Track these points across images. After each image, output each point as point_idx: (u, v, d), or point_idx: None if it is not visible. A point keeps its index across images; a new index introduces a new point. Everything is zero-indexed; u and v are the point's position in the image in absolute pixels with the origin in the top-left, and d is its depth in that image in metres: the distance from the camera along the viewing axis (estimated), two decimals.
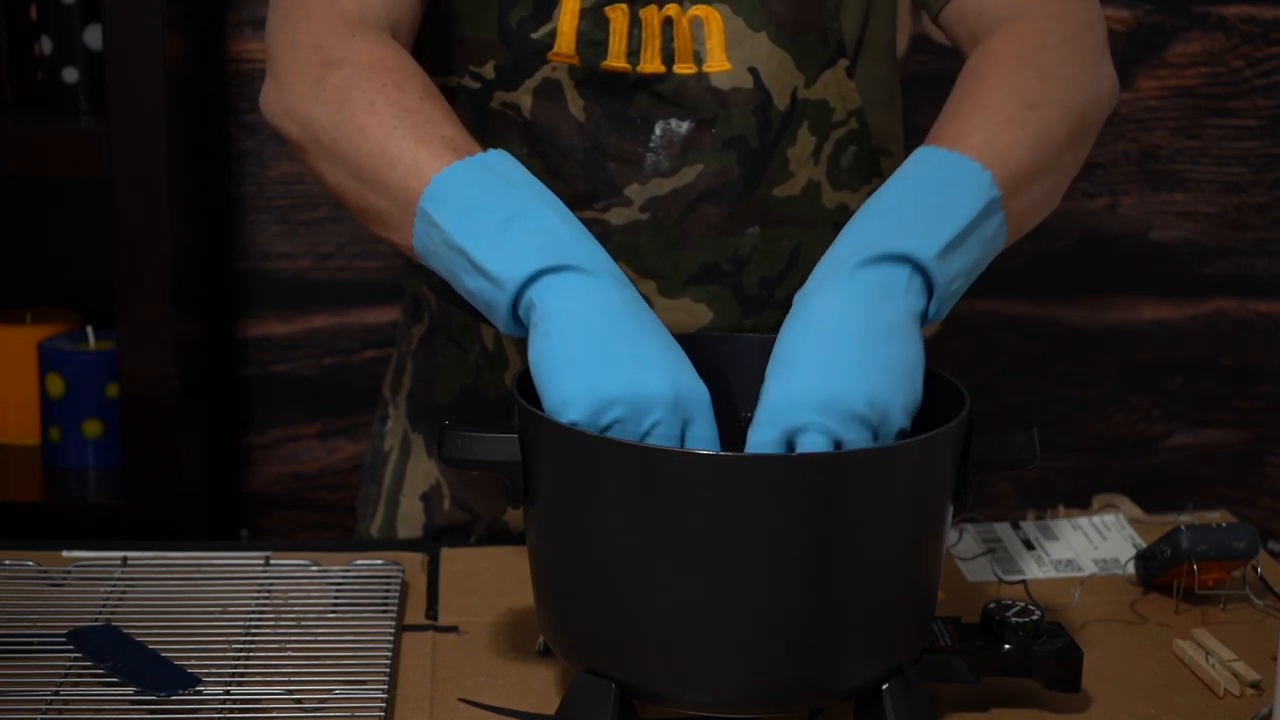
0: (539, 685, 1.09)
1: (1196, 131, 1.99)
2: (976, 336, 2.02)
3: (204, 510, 1.85)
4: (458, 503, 1.38)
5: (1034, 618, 1.05)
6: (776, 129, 1.24)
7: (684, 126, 1.23)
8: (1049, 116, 1.10)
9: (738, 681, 0.97)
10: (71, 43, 1.73)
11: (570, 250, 1.01)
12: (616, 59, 1.22)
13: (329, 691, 1.04)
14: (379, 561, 1.23)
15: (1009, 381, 2.04)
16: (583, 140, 1.24)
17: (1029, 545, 1.30)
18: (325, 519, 2.03)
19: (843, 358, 0.98)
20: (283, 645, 1.10)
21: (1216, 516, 1.37)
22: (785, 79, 1.23)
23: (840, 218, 1.23)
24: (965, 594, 1.22)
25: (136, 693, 1.04)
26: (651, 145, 1.24)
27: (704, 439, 1.00)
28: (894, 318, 1.00)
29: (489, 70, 1.25)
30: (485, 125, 1.26)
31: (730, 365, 1.11)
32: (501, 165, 1.06)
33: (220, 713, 1.02)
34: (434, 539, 1.38)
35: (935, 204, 1.04)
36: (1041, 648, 1.04)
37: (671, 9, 1.21)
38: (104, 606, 1.15)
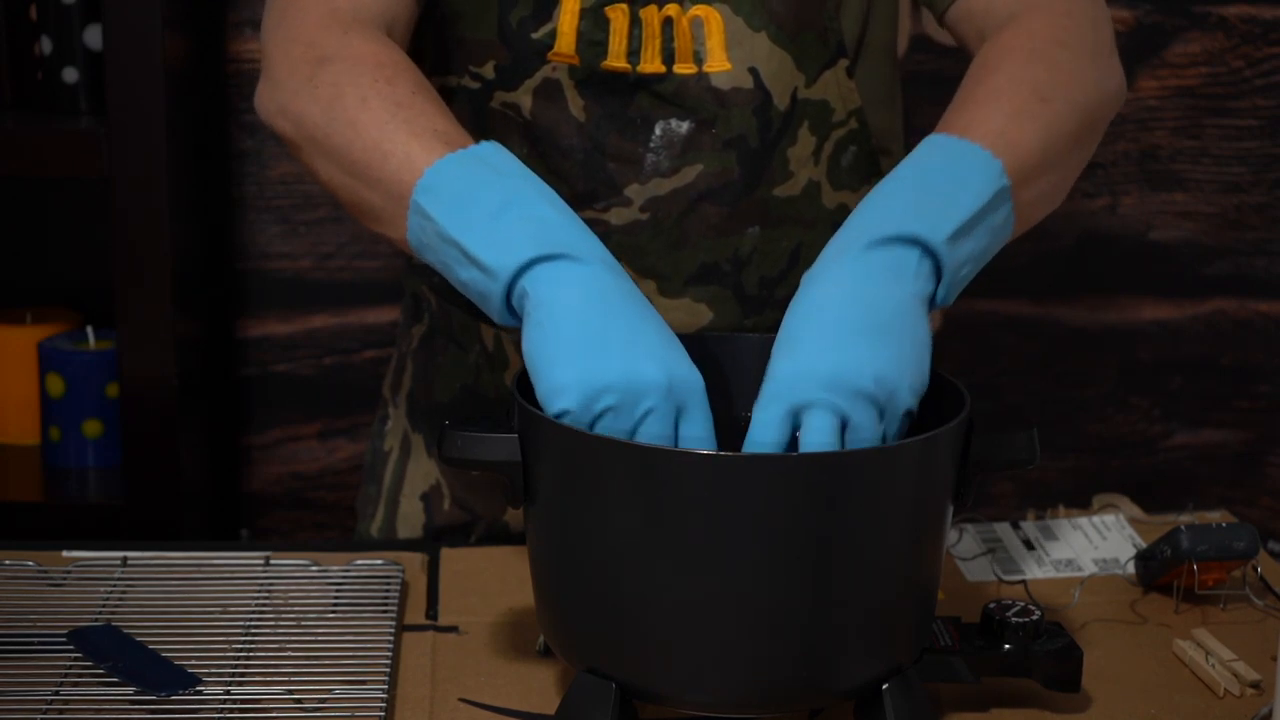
0: (539, 685, 1.09)
1: (1196, 131, 1.99)
2: (976, 336, 2.02)
3: (204, 510, 1.85)
4: (458, 503, 1.38)
5: (1034, 618, 1.05)
6: (776, 129, 1.24)
7: (684, 126, 1.23)
8: (1059, 110, 1.10)
9: (738, 681, 0.97)
10: (71, 43, 1.73)
11: (563, 239, 1.01)
12: (616, 59, 1.22)
13: (329, 691, 1.04)
14: (379, 561, 1.23)
15: (1009, 381, 2.04)
16: (583, 140, 1.24)
17: (1029, 545, 1.30)
18: (325, 519, 2.03)
19: (850, 335, 0.98)
20: (283, 645, 1.10)
21: (1216, 516, 1.37)
22: (785, 79, 1.23)
23: (840, 218, 1.22)
24: (965, 594, 1.22)
25: (136, 693, 1.04)
26: (651, 145, 1.24)
27: (699, 426, 0.99)
28: (902, 299, 1.00)
29: (489, 70, 1.25)
30: (485, 125, 1.26)
31: (730, 365, 1.11)
32: (493, 156, 1.06)
33: (220, 713, 1.02)
34: (434, 539, 1.38)
35: (945, 190, 1.03)
36: (1041, 648, 1.04)
37: (672, 9, 1.21)
38: (104, 606, 1.15)
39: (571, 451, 0.97)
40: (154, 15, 1.64)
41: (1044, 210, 1.12)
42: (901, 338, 0.99)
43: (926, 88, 1.88)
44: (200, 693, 1.04)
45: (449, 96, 1.28)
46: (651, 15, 1.21)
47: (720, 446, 1.01)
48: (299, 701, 1.03)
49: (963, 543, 1.30)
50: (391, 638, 1.12)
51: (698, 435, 1.00)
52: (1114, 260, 2.01)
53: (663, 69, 1.22)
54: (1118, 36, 1.93)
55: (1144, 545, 1.28)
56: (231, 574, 1.20)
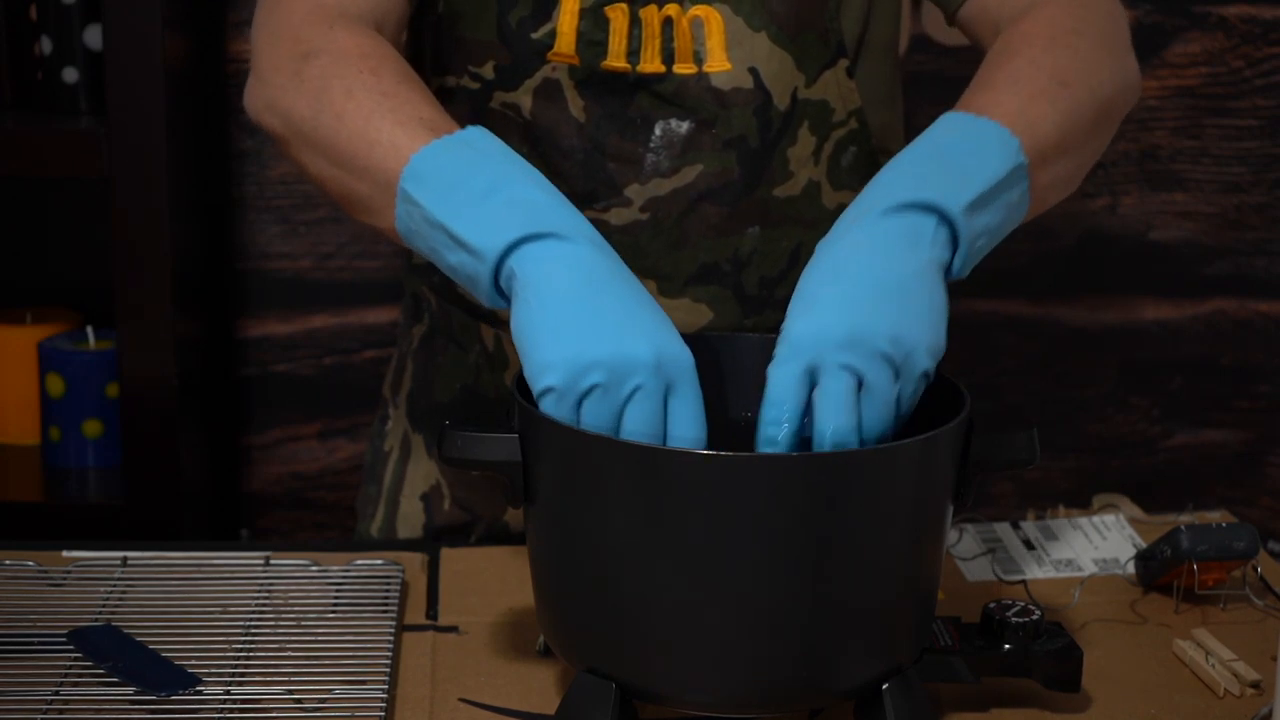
0: (539, 685, 1.09)
1: (1196, 131, 1.99)
2: (976, 336, 2.02)
3: (204, 510, 1.85)
4: (458, 503, 1.38)
5: (1034, 618, 1.05)
6: (777, 129, 1.24)
7: (684, 126, 1.23)
8: (1078, 95, 1.10)
9: (738, 681, 0.97)
10: (71, 43, 1.73)
11: (549, 218, 1.01)
12: (616, 59, 1.22)
13: (329, 691, 1.04)
14: (379, 561, 1.23)
15: (1009, 381, 2.04)
16: (583, 140, 1.24)
17: (1029, 545, 1.30)
18: (325, 519, 2.03)
19: (867, 295, 0.98)
20: (283, 645, 1.10)
21: (1216, 516, 1.37)
22: (785, 79, 1.23)
23: None
24: (965, 594, 1.22)
25: (136, 693, 1.04)
26: (651, 145, 1.24)
27: (688, 403, 0.98)
28: (919, 263, 1.00)
29: (489, 71, 1.25)
30: (485, 126, 1.26)
31: (730, 365, 1.11)
32: (480, 141, 1.06)
33: (220, 713, 1.02)
34: (434, 539, 1.38)
35: (962, 162, 1.04)
36: (1041, 648, 1.04)
37: (671, 9, 1.21)
38: (104, 606, 1.15)
39: (571, 451, 0.97)
40: (154, 15, 1.64)
41: (1058, 196, 1.12)
42: (918, 300, 0.98)
43: (926, 88, 1.88)
44: (200, 693, 1.04)
45: (448, 97, 1.28)
46: (651, 15, 1.21)
47: (720, 447, 1.01)
48: (299, 701, 1.03)
49: (963, 543, 1.30)
50: (391, 638, 1.12)
51: (687, 413, 0.98)
52: (1114, 260, 2.01)
53: (662, 69, 1.22)
54: None
55: (1144, 545, 1.28)
56: (231, 574, 1.20)
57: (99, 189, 1.73)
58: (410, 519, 1.40)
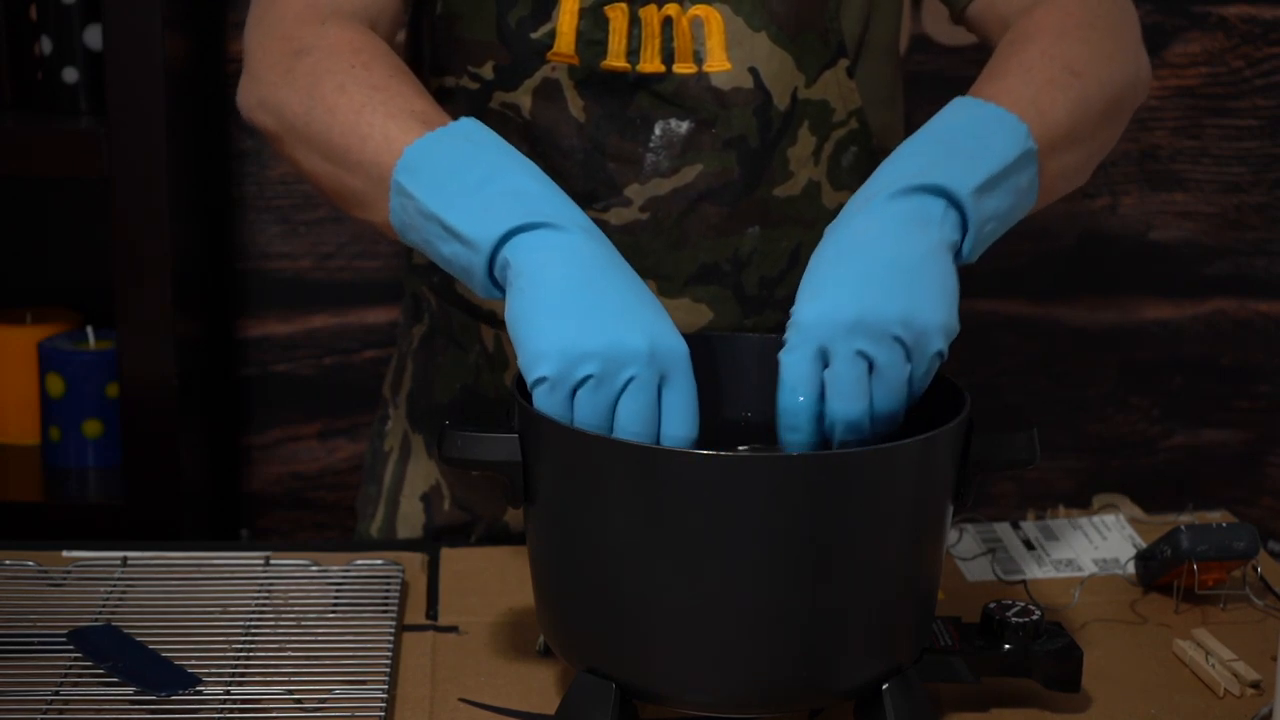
0: (539, 685, 1.09)
1: (1196, 131, 1.99)
2: (976, 336, 2.01)
3: (204, 510, 1.85)
4: (458, 503, 1.38)
5: (1034, 618, 1.05)
6: (777, 129, 1.24)
7: (684, 126, 1.23)
8: (1090, 86, 1.11)
9: (738, 681, 0.97)
10: (71, 43, 1.73)
11: (543, 208, 1.01)
12: (616, 59, 1.22)
13: (329, 691, 1.04)
14: (379, 561, 1.23)
15: (1009, 381, 2.04)
16: (583, 140, 1.24)
17: (1029, 545, 1.30)
18: (325, 519, 2.03)
19: (876, 277, 0.97)
20: (283, 645, 1.10)
21: (1216, 516, 1.37)
22: (785, 79, 1.23)
23: None
24: (965, 594, 1.22)
25: (136, 693, 1.04)
26: (651, 145, 1.24)
27: (682, 394, 0.98)
28: (929, 245, 0.99)
29: (488, 71, 1.25)
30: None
31: (730, 365, 1.11)
32: (473, 133, 1.06)
33: (220, 713, 1.02)
34: (434, 539, 1.38)
35: (971, 147, 1.04)
36: (1041, 648, 1.04)
37: (671, 8, 1.21)
38: (104, 606, 1.15)
39: (571, 451, 0.97)
40: (154, 15, 1.64)
41: (1067, 186, 1.12)
42: (929, 280, 0.98)
43: (926, 88, 1.88)
44: (200, 693, 1.04)
45: (448, 97, 1.28)
46: (651, 15, 1.21)
47: (719, 447, 1.00)
48: (299, 701, 1.03)
49: (963, 543, 1.30)
50: (391, 638, 1.12)
51: (681, 403, 0.98)
52: (1114, 260, 2.01)
53: (662, 69, 1.22)
54: None
55: (1144, 545, 1.28)
56: (231, 574, 1.20)
57: (99, 189, 1.73)
58: (410, 519, 1.40)
